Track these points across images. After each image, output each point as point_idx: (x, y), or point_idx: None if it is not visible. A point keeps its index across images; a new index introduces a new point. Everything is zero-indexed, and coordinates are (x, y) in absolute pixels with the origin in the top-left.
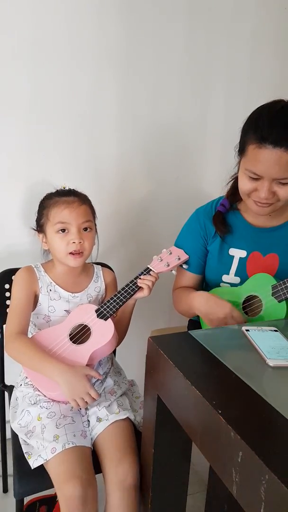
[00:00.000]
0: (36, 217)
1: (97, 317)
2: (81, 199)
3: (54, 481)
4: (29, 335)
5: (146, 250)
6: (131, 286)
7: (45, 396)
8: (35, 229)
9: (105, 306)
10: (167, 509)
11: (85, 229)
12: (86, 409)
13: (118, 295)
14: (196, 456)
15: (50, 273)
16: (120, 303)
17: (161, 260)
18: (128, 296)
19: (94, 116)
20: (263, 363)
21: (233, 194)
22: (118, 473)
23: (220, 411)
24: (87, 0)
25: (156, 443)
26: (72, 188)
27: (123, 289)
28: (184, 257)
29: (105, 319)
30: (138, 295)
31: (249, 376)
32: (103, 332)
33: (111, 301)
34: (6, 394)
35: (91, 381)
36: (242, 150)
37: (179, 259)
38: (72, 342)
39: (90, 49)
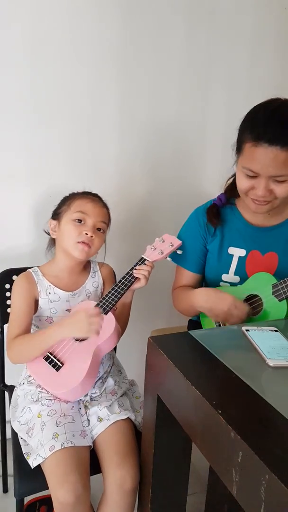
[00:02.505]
0: (55, 208)
1: None
2: (104, 203)
3: (49, 484)
4: None
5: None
6: (127, 278)
7: (47, 392)
8: (52, 217)
9: (104, 301)
10: (167, 509)
11: (99, 229)
12: (86, 407)
13: (116, 288)
14: (196, 456)
15: (48, 275)
16: (119, 295)
17: (155, 249)
18: (125, 288)
19: (95, 116)
20: (263, 363)
21: (232, 190)
22: (117, 476)
23: (220, 411)
24: (87, 1)
25: (156, 443)
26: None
27: (120, 281)
28: (177, 243)
29: (106, 313)
30: (136, 286)
31: (249, 376)
32: (104, 326)
33: (109, 294)
34: (7, 394)
35: (97, 377)
36: (239, 149)
37: (172, 245)
38: (76, 340)
39: (90, 49)
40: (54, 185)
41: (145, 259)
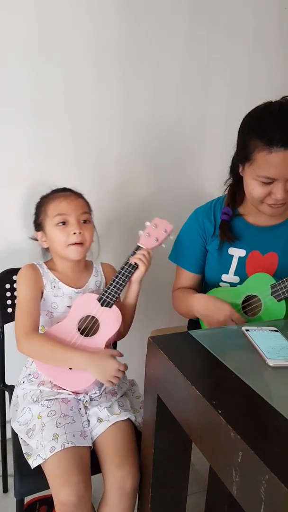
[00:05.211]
0: (33, 219)
1: (101, 306)
2: (77, 194)
3: (50, 484)
4: None
5: None
6: (126, 268)
7: (51, 389)
8: (35, 229)
9: (106, 294)
10: (167, 509)
11: (84, 221)
12: (86, 407)
13: (116, 279)
14: (196, 456)
15: (52, 269)
16: (120, 287)
17: (149, 235)
18: (126, 279)
19: (95, 116)
20: (263, 363)
21: (232, 201)
22: (117, 477)
23: (220, 411)
24: (87, 1)
25: (156, 443)
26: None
27: (119, 272)
28: (169, 228)
29: (110, 307)
30: (136, 275)
31: (249, 376)
32: (111, 319)
33: (111, 287)
34: (7, 394)
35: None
36: (247, 158)
37: (165, 231)
38: (83, 335)
39: (90, 49)
40: (54, 185)
41: (140, 247)
